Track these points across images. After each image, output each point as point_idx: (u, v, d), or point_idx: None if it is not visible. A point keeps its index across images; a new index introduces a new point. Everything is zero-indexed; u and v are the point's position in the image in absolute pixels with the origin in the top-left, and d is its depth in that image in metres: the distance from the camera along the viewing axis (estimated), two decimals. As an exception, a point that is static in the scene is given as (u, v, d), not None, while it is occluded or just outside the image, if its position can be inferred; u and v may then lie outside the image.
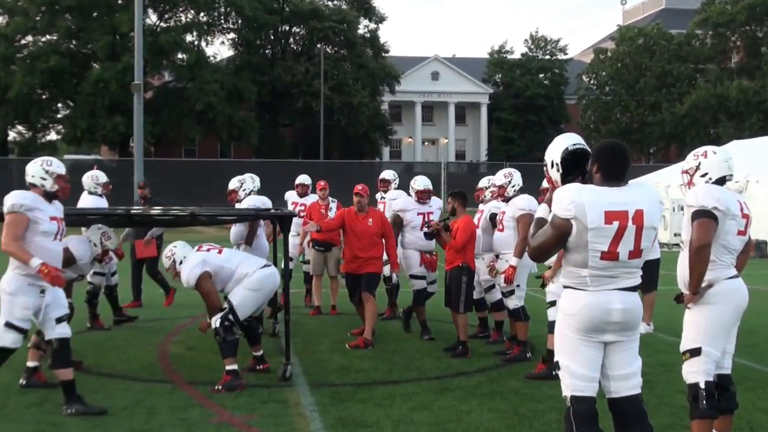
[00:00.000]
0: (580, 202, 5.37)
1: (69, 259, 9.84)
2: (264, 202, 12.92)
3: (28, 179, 8.14)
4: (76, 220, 10.91)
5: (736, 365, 7.33)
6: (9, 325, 7.87)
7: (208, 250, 9.69)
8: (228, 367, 8.99)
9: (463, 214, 11.18)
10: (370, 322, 11.65)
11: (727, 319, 6.53)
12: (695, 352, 6.45)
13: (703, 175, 6.68)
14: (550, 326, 9.42)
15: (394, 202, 13.28)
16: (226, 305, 9.17)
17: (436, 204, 12.87)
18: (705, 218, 6.32)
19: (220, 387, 8.89)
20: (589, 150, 5.98)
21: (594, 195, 5.42)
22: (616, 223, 5.38)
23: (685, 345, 6.56)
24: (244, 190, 12.85)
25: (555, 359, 5.78)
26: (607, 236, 5.37)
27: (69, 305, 10.01)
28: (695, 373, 6.46)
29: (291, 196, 15.79)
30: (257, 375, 9.66)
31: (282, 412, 8.22)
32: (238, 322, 9.24)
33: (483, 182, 12.19)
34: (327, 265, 14.57)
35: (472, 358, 10.88)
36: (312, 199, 15.32)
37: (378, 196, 15.15)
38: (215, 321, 9.08)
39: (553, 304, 9.39)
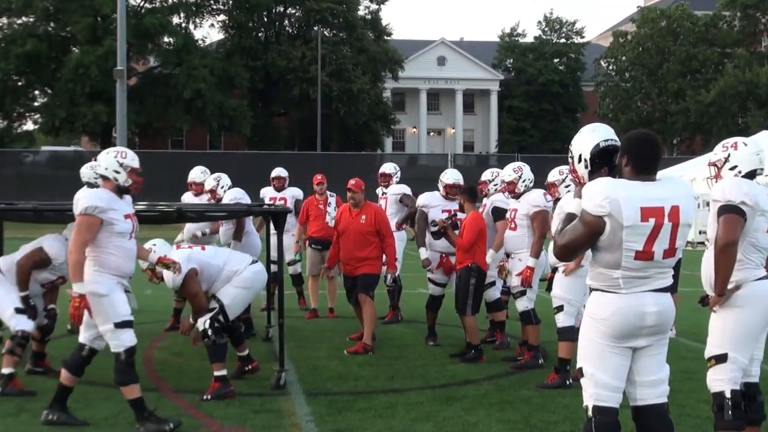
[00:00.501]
0: (614, 197, 5.31)
1: (44, 261, 9.85)
2: (244, 195, 13.04)
3: (100, 171, 8.12)
4: (55, 216, 10.91)
5: (765, 373, 7.36)
6: (120, 325, 7.88)
7: (190, 247, 9.70)
8: (216, 373, 9.02)
9: (471, 210, 11.22)
10: (369, 326, 11.67)
11: (755, 323, 6.54)
12: (721, 358, 6.47)
13: (732, 168, 6.67)
14: (560, 333, 9.49)
15: (420, 197, 13.04)
16: (214, 305, 9.21)
17: None
18: (732, 214, 6.32)
19: (209, 396, 8.92)
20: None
21: (628, 190, 5.36)
22: (652, 221, 5.34)
23: (710, 351, 6.58)
24: (222, 188, 12.92)
25: (578, 365, 5.77)
26: (642, 234, 5.35)
27: (51, 311, 10.16)
28: (721, 381, 6.47)
29: (267, 192, 15.67)
30: (249, 383, 9.70)
31: (276, 422, 8.25)
32: (228, 323, 9.28)
33: (486, 175, 12.23)
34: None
35: (480, 364, 10.94)
36: (292, 192, 15.40)
37: (379, 191, 15.03)
38: (203, 323, 9.10)
39: (560, 309, 9.44)
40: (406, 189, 14.40)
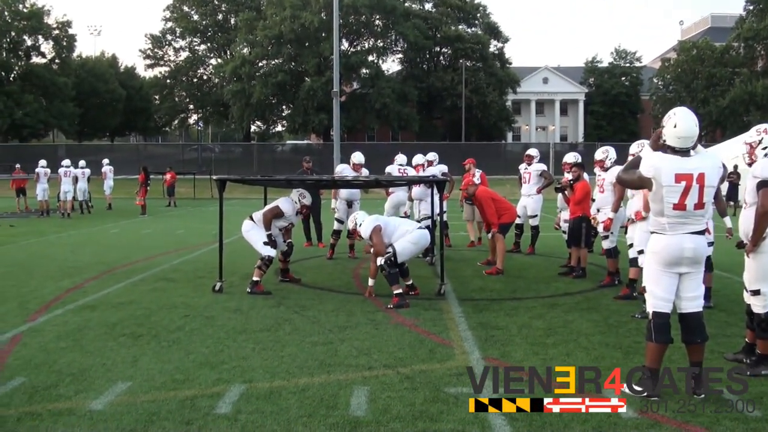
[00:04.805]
0: (658, 167, 5.27)
1: (279, 214, 10.05)
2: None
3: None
4: (298, 184, 11.12)
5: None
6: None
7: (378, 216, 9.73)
8: (395, 291, 8.84)
9: (582, 179, 10.92)
10: (500, 256, 11.45)
11: None
12: (756, 292, 5.99)
13: (764, 148, 6.06)
14: (631, 261, 9.12)
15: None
16: (390, 250, 9.03)
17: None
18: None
19: (391, 305, 8.72)
20: None
21: (669, 162, 5.27)
22: (683, 183, 5.21)
23: (749, 285, 6.05)
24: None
25: (643, 284, 5.65)
26: (677, 192, 5.22)
27: (289, 243, 10.37)
28: (758, 306, 6.00)
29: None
30: (422, 290, 9.64)
31: (438, 317, 8.23)
32: (396, 263, 9.04)
33: (569, 158, 11.47)
34: (475, 213, 14.31)
35: (576, 282, 10.64)
36: (441, 167, 14.31)
37: (521, 167, 14.18)
38: (380, 260, 9.00)
39: (630, 245, 9.03)
40: (543, 167, 13.90)
